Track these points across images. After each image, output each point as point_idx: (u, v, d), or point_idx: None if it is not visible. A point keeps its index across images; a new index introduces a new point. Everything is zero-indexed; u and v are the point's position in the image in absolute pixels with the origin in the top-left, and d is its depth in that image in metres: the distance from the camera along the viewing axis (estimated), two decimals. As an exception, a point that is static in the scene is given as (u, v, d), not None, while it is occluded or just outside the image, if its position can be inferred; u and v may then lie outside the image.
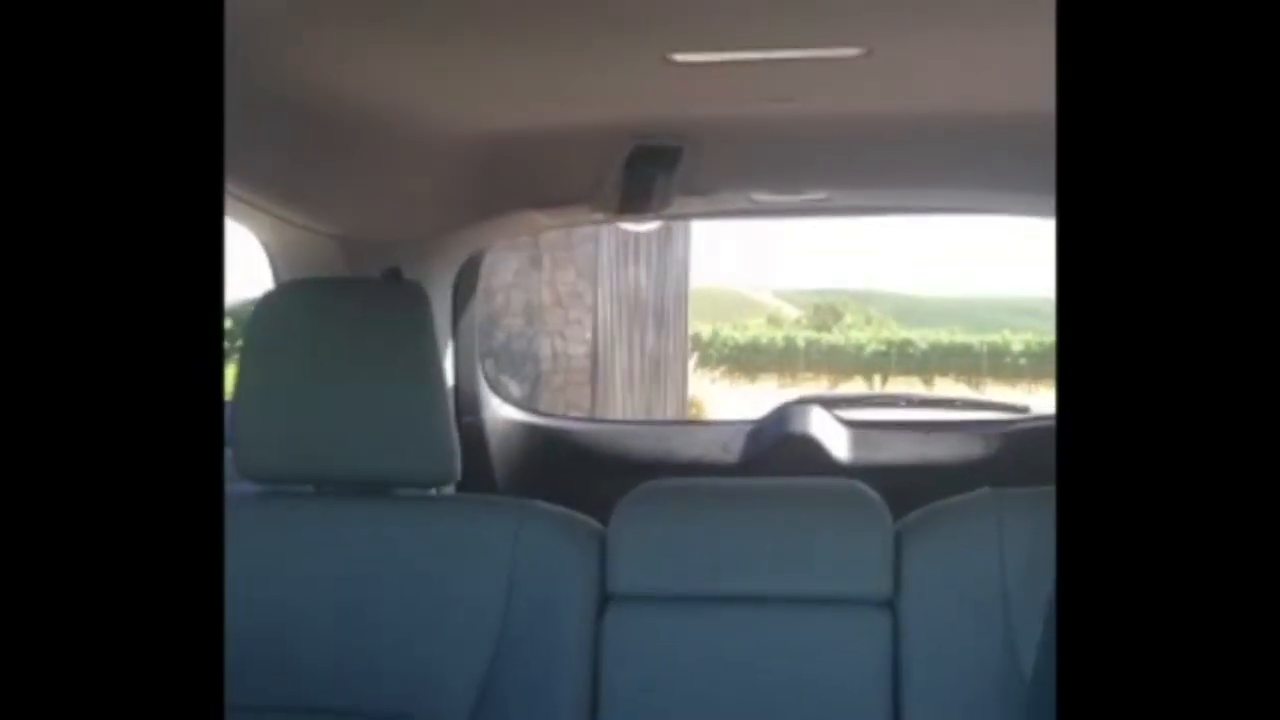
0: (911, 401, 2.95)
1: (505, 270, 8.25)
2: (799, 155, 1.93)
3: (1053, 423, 2.46)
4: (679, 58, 1.45)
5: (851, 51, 1.48)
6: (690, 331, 13.04)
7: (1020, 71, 1.61)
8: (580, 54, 1.48)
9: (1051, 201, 2.29)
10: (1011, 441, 2.53)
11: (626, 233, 8.52)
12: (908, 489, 1.71)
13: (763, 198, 2.17)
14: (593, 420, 5.40)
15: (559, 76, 1.56)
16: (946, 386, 22.10)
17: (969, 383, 22.65)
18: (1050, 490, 1.46)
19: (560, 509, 1.57)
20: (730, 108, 1.70)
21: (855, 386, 22.15)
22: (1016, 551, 1.43)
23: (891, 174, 2.07)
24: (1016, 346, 24.27)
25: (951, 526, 1.50)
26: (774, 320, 33.02)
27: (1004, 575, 1.44)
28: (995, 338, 25.41)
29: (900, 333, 27.84)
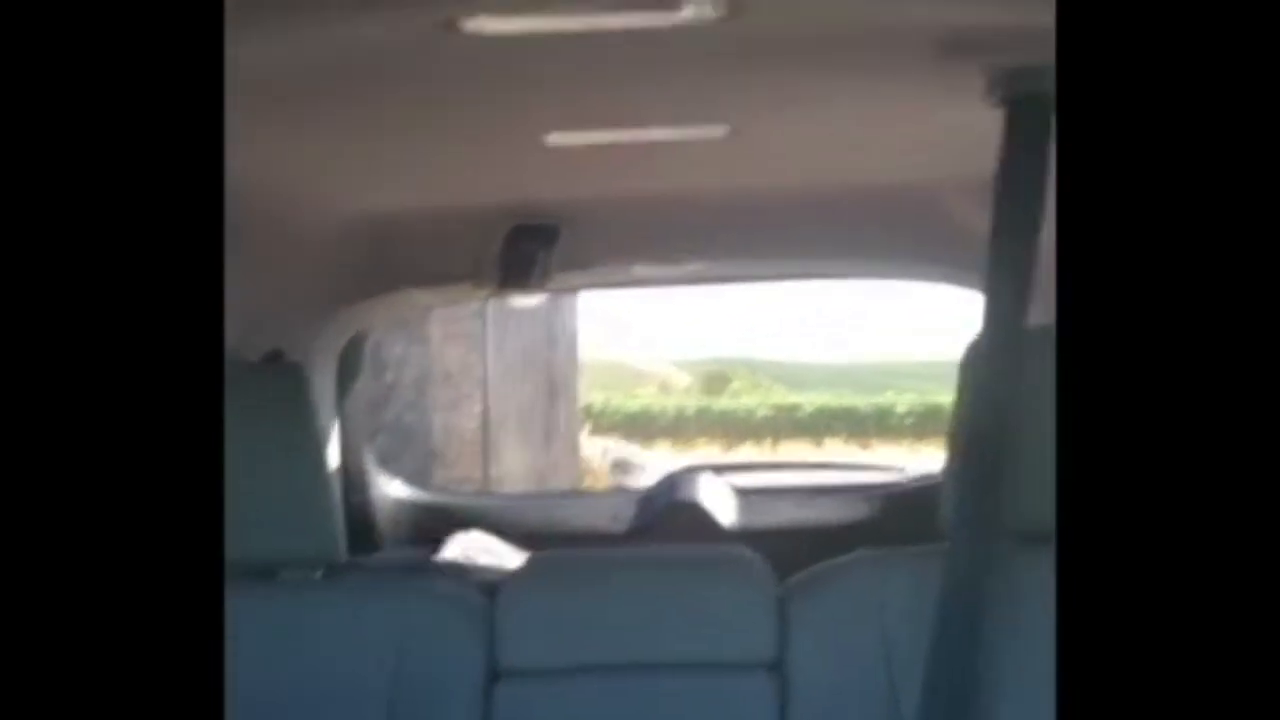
0: (795, 466, 3.01)
1: (393, 346, 8.20)
2: (674, 230, 1.99)
3: (929, 482, 2.53)
4: (553, 140, 1.49)
5: (718, 131, 1.54)
6: (582, 402, 13.06)
7: (876, 147, 1.68)
8: (457, 137, 1.51)
9: (913, 267, 2.37)
10: (892, 501, 2.59)
11: (514, 306, 8.55)
12: (794, 552, 1.75)
13: (642, 270, 2.22)
14: (482, 495, 5.38)
15: (437, 159, 1.60)
16: (836, 448, 22.37)
17: (858, 443, 22.96)
18: (928, 549, 1.51)
19: (448, 587, 1.58)
20: (605, 186, 1.75)
21: (747, 451, 22.32)
22: (895, 611, 1.48)
23: (762, 245, 2.13)
24: (901, 407, 24.71)
25: (833, 588, 1.54)
26: (664, 388, 33.22)
27: (884, 634, 1.48)
28: (881, 399, 25.85)
29: (789, 397, 28.19)
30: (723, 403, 27.57)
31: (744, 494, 2.63)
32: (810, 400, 26.60)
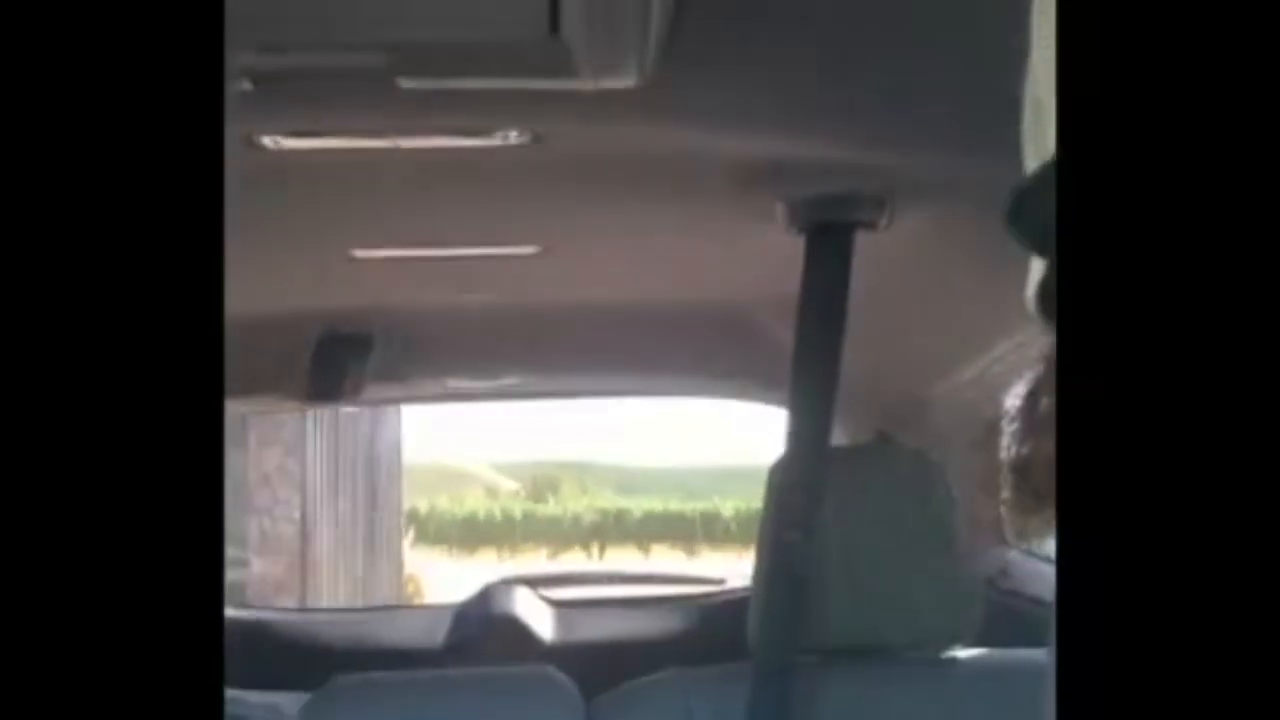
0: (614, 578, 3.01)
1: (207, 451, 7.95)
2: (488, 344, 1.99)
3: (747, 594, 2.56)
4: (359, 254, 1.48)
5: (528, 249, 1.55)
6: (406, 506, 12.84)
7: (682, 267, 1.71)
8: (262, 248, 1.49)
9: (723, 384, 2.42)
10: (709, 614, 2.60)
11: (335, 411, 8.40)
12: (610, 666, 1.74)
13: (456, 384, 2.21)
14: (289, 610, 5.22)
15: (241, 270, 1.56)
16: (663, 554, 22.44)
17: (685, 549, 23.07)
18: (735, 667, 1.52)
19: (246, 711, 1.52)
20: (415, 299, 1.74)
21: (574, 557, 22.21)
22: None
23: (577, 360, 2.14)
24: (727, 512, 24.95)
25: (640, 709, 1.53)
26: (491, 492, 32.89)
27: None
28: (706, 505, 26.06)
29: (617, 501, 28.22)
30: (550, 508, 27.44)
31: (561, 607, 2.62)
32: (638, 505, 26.69)
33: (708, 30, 0.93)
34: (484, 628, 2.55)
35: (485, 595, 2.63)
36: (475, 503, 28.35)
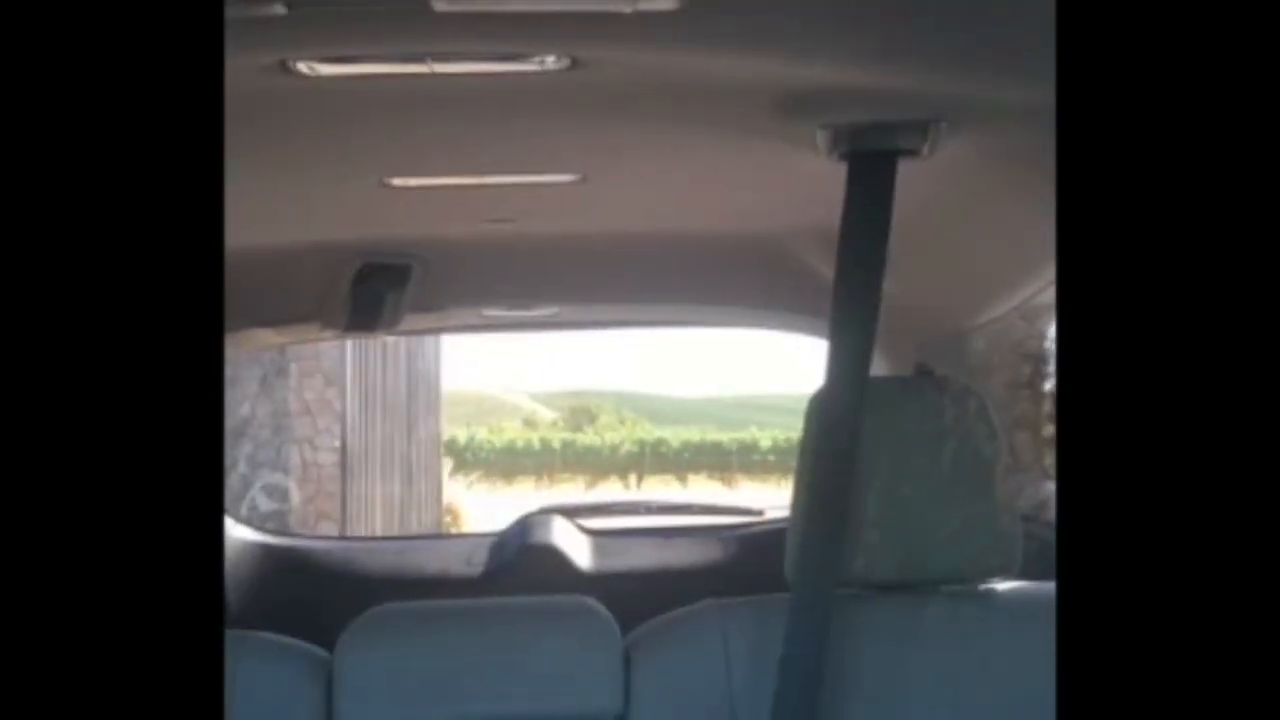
0: (651, 508, 3.01)
1: (250, 380, 8.02)
2: (525, 274, 1.98)
3: (784, 525, 2.57)
4: (397, 182, 1.47)
5: (567, 178, 1.54)
6: (445, 436, 12.93)
7: (722, 196, 1.69)
8: (298, 177, 1.48)
9: (763, 315, 2.41)
10: (746, 545, 2.61)
11: (374, 340, 8.43)
12: (647, 596, 1.74)
13: (493, 313, 2.21)
14: (330, 539, 5.28)
15: (279, 199, 1.56)
16: (700, 484, 22.53)
17: (721, 479, 23.16)
18: (772, 598, 1.52)
19: (284, 639, 1.53)
20: (453, 228, 1.73)
21: (611, 486, 22.34)
22: (740, 661, 1.48)
23: (614, 290, 2.13)
24: (765, 443, 25.01)
25: (677, 640, 1.53)
26: (530, 423, 33.08)
27: (729, 685, 1.47)
28: (744, 435, 26.12)
29: (654, 432, 28.32)
30: (588, 438, 27.58)
31: (598, 537, 2.62)
32: (675, 435, 26.77)
33: None
34: (522, 557, 2.56)
35: (523, 525, 2.65)
36: (513, 432, 28.55)
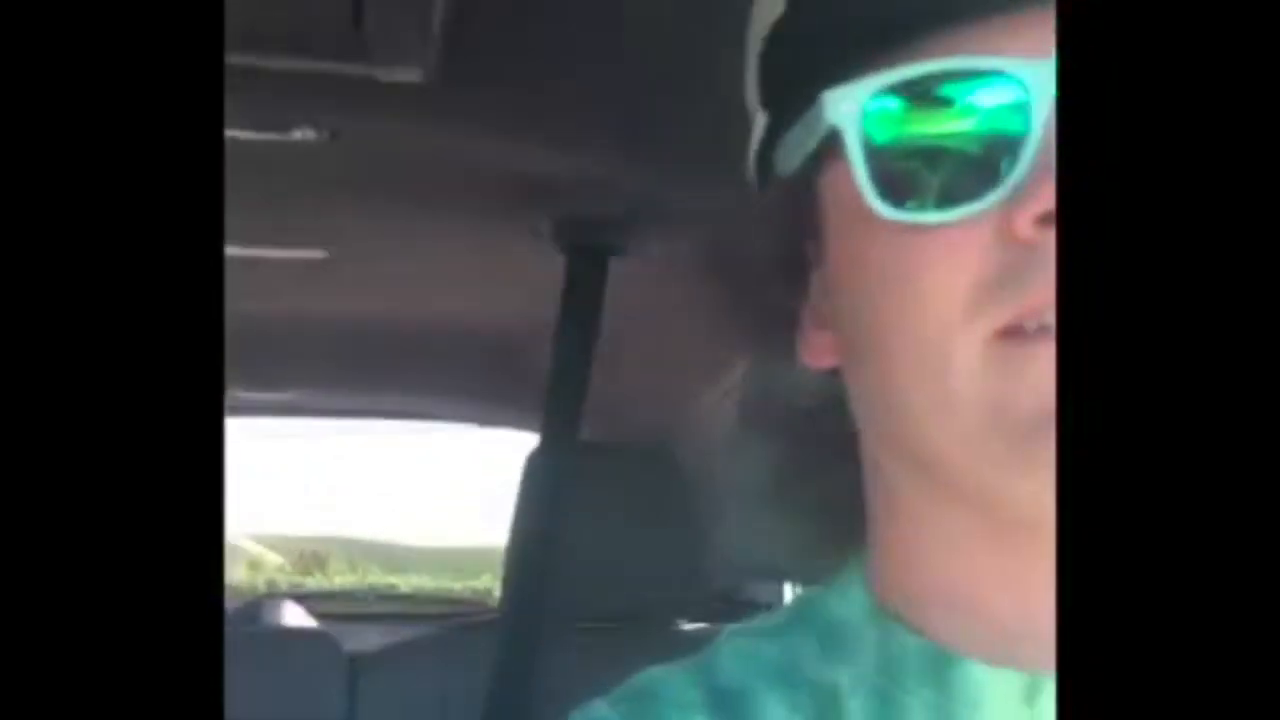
0: (382, 597, 3.04)
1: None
2: (272, 353, 2.01)
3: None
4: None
5: (316, 254, 1.63)
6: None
7: (459, 283, 1.76)
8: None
9: (496, 410, 2.41)
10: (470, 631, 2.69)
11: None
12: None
13: (238, 396, 2.24)
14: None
15: None
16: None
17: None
18: (489, 629, 1.56)
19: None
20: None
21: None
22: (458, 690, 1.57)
23: (355, 376, 2.20)
24: (499, 591, 24.47)
25: (399, 665, 1.63)
26: (254, 566, 31.50)
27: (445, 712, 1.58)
28: (478, 583, 25.56)
29: (385, 578, 27.39)
30: (317, 582, 26.47)
31: (328, 620, 2.66)
32: (408, 581, 26.02)
33: (486, 33, 1.01)
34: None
35: (252, 607, 2.66)
36: (238, 575, 27.11)
